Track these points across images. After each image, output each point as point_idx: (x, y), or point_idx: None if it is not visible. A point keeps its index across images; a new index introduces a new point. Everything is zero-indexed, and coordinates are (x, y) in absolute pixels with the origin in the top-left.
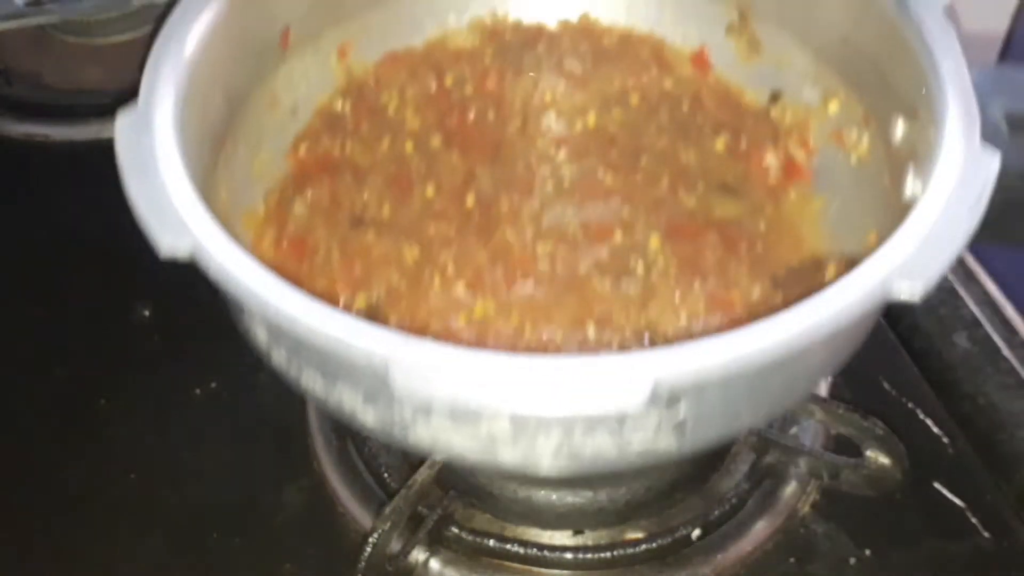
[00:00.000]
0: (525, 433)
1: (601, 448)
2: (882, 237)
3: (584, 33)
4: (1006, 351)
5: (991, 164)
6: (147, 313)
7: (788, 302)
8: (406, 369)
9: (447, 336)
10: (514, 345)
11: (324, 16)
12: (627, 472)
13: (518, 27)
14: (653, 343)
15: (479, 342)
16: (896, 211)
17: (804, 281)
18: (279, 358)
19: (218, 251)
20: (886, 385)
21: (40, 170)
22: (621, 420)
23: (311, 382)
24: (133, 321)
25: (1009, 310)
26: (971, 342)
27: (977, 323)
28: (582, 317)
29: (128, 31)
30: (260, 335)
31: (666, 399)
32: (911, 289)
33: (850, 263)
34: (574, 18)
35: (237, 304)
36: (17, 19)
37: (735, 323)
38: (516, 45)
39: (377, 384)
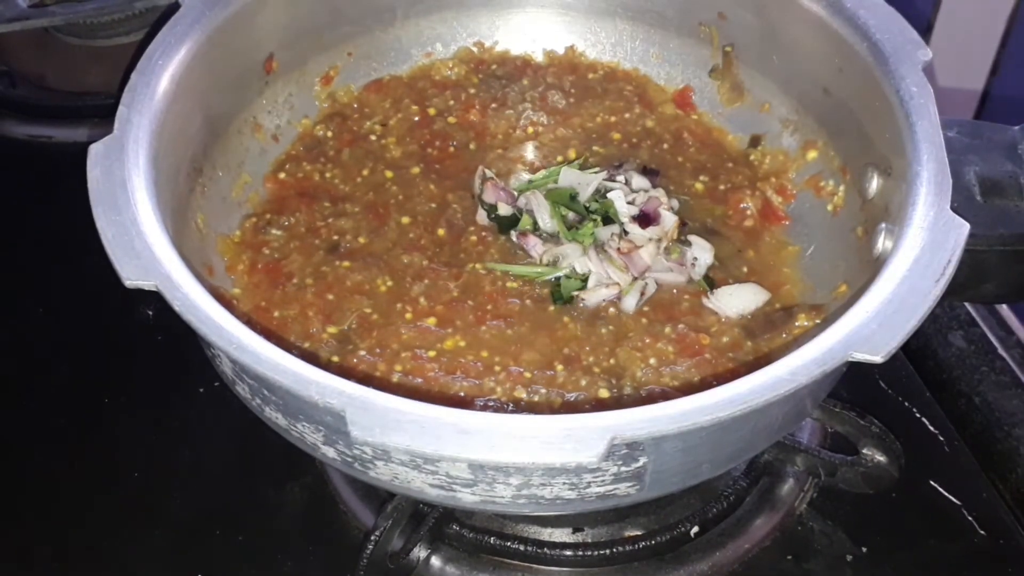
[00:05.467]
0: (484, 477)
1: (560, 493)
2: (852, 289)
3: (570, 67)
4: (1001, 350)
5: (959, 232)
6: (150, 313)
7: (758, 350)
8: (362, 423)
9: (416, 368)
10: (481, 379)
11: (309, 43)
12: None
13: (504, 58)
14: (621, 385)
15: (448, 372)
16: (866, 265)
17: (774, 329)
18: (243, 391)
19: (182, 288)
20: (882, 384)
21: (44, 171)
22: (579, 471)
23: (273, 417)
24: (136, 321)
25: (1004, 309)
26: (967, 341)
27: (973, 322)
28: (551, 356)
29: (131, 33)
30: (225, 368)
31: (623, 454)
32: (871, 358)
33: (819, 312)
34: (560, 50)
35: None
36: (21, 21)
37: (704, 367)
38: (501, 77)
39: (337, 425)
